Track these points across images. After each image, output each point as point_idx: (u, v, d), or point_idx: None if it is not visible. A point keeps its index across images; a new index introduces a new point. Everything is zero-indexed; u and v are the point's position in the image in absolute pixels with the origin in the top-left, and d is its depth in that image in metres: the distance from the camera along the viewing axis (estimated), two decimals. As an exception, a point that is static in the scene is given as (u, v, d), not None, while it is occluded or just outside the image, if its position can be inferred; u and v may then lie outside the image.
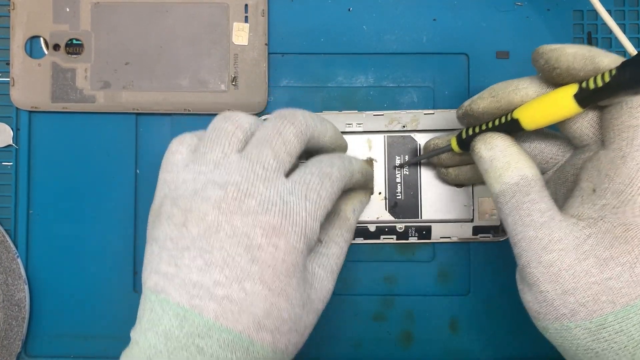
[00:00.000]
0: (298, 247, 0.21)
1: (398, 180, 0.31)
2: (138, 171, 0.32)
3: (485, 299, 0.32)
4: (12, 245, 0.31)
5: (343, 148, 0.28)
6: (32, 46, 0.32)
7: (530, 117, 0.22)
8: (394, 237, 0.31)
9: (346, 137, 0.31)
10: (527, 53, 0.31)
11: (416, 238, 0.31)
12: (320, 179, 0.22)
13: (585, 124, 0.23)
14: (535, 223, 0.21)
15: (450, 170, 0.29)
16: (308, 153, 0.25)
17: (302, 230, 0.21)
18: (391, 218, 0.31)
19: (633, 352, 0.20)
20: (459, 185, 0.31)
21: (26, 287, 0.31)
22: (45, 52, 0.31)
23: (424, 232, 0.31)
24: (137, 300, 0.31)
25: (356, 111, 0.31)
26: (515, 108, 0.23)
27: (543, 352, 0.32)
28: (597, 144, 0.23)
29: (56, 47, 0.31)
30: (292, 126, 0.23)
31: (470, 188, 0.31)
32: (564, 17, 0.32)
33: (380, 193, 0.31)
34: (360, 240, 0.31)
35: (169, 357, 0.20)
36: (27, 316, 0.31)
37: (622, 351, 0.20)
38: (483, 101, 0.24)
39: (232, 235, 0.20)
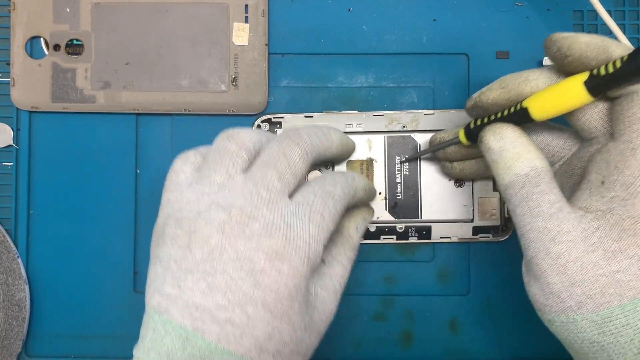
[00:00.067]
0: (301, 270, 0.21)
1: (398, 180, 0.31)
2: (138, 171, 0.32)
3: (485, 299, 0.32)
4: (12, 245, 0.31)
5: (350, 152, 0.28)
6: (32, 46, 0.32)
7: (540, 106, 0.22)
8: (394, 237, 0.31)
9: (346, 137, 0.31)
10: (527, 53, 0.32)
11: (416, 238, 0.31)
12: (324, 200, 0.22)
13: (595, 116, 0.22)
14: (544, 214, 0.21)
15: (455, 164, 0.29)
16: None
17: (305, 254, 0.21)
18: (391, 218, 0.31)
19: (639, 346, 0.19)
20: (463, 179, 0.31)
21: (26, 287, 0.31)
22: (46, 52, 0.31)
23: (424, 232, 0.31)
24: (138, 300, 0.32)
25: (356, 111, 0.31)
26: (525, 99, 0.23)
27: (543, 352, 0.32)
28: (606, 137, 0.22)
29: (56, 47, 0.31)
30: (297, 147, 0.23)
31: (471, 188, 0.31)
32: (564, 17, 0.32)
33: (380, 193, 0.31)
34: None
35: None
36: (27, 316, 0.31)
37: (628, 345, 0.19)
38: (492, 92, 0.24)
39: (236, 259, 0.20)
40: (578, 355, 0.22)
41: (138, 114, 0.32)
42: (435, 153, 0.30)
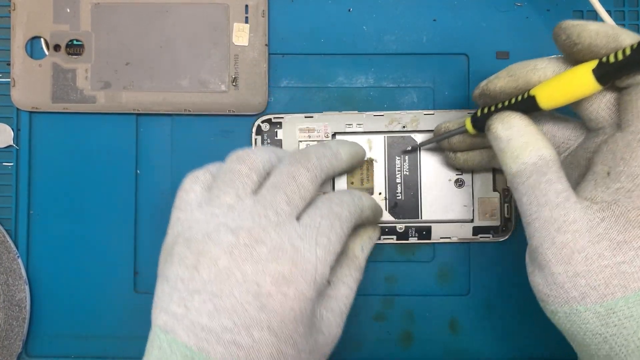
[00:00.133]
0: (307, 294, 0.21)
1: (398, 180, 0.31)
2: (138, 171, 0.32)
3: (485, 299, 0.32)
4: (12, 245, 0.31)
5: (361, 162, 0.29)
6: (32, 47, 0.32)
7: (548, 94, 0.22)
8: (394, 237, 0.31)
9: (346, 137, 0.31)
10: (527, 53, 0.32)
11: (416, 238, 0.31)
12: (331, 222, 0.22)
13: (602, 106, 0.22)
14: (551, 203, 0.21)
15: (459, 154, 0.29)
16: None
17: (312, 277, 0.21)
18: (391, 218, 0.31)
19: None
20: (466, 170, 0.31)
21: (27, 287, 0.31)
22: (46, 52, 0.31)
23: (424, 232, 0.31)
24: (138, 301, 0.32)
25: (356, 111, 0.31)
26: (533, 88, 0.23)
27: (543, 352, 0.32)
28: (613, 127, 0.22)
29: (57, 47, 0.31)
30: (306, 171, 0.23)
31: (471, 188, 0.31)
32: (563, 18, 0.31)
33: (380, 193, 0.31)
34: (360, 241, 0.31)
35: None
36: (27, 316, 0.31)
37: (631, 337, 0.19)
38: (500, 80, 0.24)
39: (243, 282, 0.21)
40: (580, 347, 0.21)
41: (138, 114, 0.32)
42: (440, 143, 0.29)
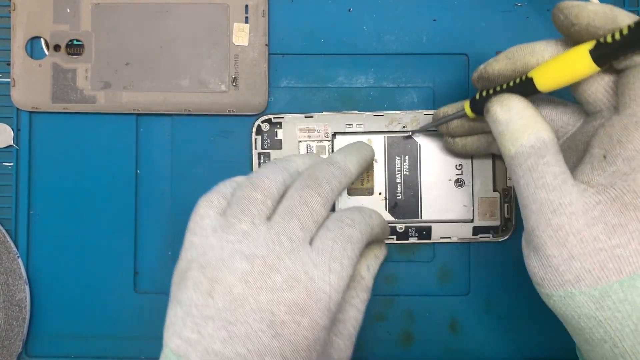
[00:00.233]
0: (321, 323, 0.21)
1: (398, 180, 0.31)
2: (138, 171, 0.32)
3: (485, 299, 0.32)
4: (12, 245, 0.31)
5: (370, 163, 0.29)
6: (32, 47, 0.32)
7: (545, 76, 0.22)
8: (394, 237, 0.31)
9: (346, 137, 0.31)
10: (527, 53, 0.32)
11: (416, 238, 0.31)
12: (343, 245, 0.23)
13: (600, 89, 0.22)
14: (547, 185, 0.21)
15: (458, 139, 0.29)
16: None
17: (326, 305, 0.21)
18: (391, 218, 0.31)
19: (637, 323, 0.19)
20: (465, 156, 0.31)
21: (27, 287, 0.31)
22: (46, 52, 0.31)
23: (424, 232, 0.31)
24: (138, 300, 0.32)
25: (356, 111, 0.31)
26: (531, 70, 0.23)
27: (543, 352, 0.32)
28: (611, 111, 0.22)
29: (57, 47, 0.31)
30: (318, 196, 0.23)
31: (471, 188, 0.31)
32: None
33: (380, 193, 0.31)
34: (360, 241, 0.31)
35: None
36: (27, 316, 0.31)
37: (625, 321, 0.19)
38: (498, 63, 0.24)
39: (257, 310, 0.21)
40: (575, 331, 0.21)
41: (138, 114, 0.32)
42: (439, 127, 0.29)
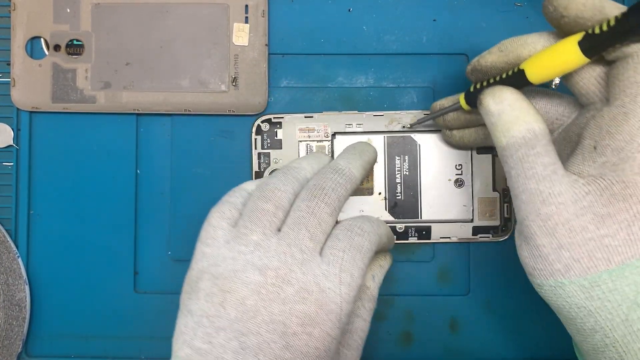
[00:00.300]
0: (332, 334, 0.22)
1: (398, 180, 0.31)
2: (138, 171, 0.32)
3: (485, 299, 0.32)
4: (12, 245, 0.31)
5: (373, 164, 0.29)
6: (32, 47, 0.32)
7: (536, 68, 0.22)
8: (394, 237, 0.31)
9: (346, 137, 0.31)
10: (527, 53, 0.32)
11: (416, 238, 0.31)
12: (352, 256, 0.23)
13: (592, 80, 0.22)
14: (537, 176, 0.21)
15: (455, 132, 0.29)
16: None
17: (337, 316, 0.22)
18: (391, 218, 0.31)
19: (627, 312, 0.19)
20: (462, 148, 0.31)
21: (27, 287, 0.31)
22: (46, 52, 0.31)
23: (424, 232, 0.31)
24: (138, 300, 0.32)
25: (356, 111, 0.31)
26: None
27: (543, 352, 0.32)
28: (603, 102, 0.22)
29: (57, 47, 0.31)
30: (326, 206, 0.23)
31: (471, 188, 0.31)
32: None
33: (380, 193, 0.31)
34: (360, 241, 0.31)
35: None
36: (27, 316, 0.31)
37: (615, 310, 0.19)
38: (491, 55, 0.24)
39: (269, 322, 0.21)
40: (566, 321, 0.22)
41: (138, 114, 0.32)
42: (435, 120, 0.29)
